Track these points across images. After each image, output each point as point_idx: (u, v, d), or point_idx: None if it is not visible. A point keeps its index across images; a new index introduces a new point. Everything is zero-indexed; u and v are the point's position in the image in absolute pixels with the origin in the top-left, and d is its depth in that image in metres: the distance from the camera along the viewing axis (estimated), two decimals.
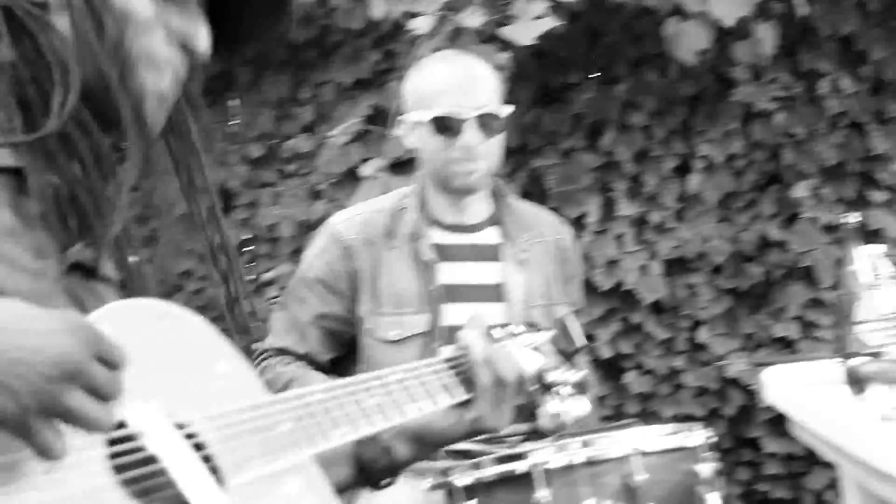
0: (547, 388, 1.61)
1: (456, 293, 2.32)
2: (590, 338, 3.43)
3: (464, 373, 1.47)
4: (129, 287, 1.19)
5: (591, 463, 1.85)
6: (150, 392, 1.03)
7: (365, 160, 3.54)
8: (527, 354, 1.61)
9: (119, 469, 0.96)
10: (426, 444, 1.50)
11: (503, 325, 1.68)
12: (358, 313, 2.30)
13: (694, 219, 3.49)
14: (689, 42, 3.19)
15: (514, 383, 1.48)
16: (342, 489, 1.51)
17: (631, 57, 3.50)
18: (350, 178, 3.63)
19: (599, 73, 3.54)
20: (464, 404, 1.47)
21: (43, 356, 0.85)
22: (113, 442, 0.96)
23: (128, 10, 1.08)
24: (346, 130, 3.53)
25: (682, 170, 3.52)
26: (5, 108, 1.06)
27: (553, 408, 1.59)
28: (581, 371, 1.65)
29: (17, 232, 1.05)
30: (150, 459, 0.99)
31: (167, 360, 1.08)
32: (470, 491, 1.87)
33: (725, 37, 3.36)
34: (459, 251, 2.36)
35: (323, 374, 2.33)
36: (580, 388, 1.63)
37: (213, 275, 1.26)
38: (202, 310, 3.22)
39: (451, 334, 2.28)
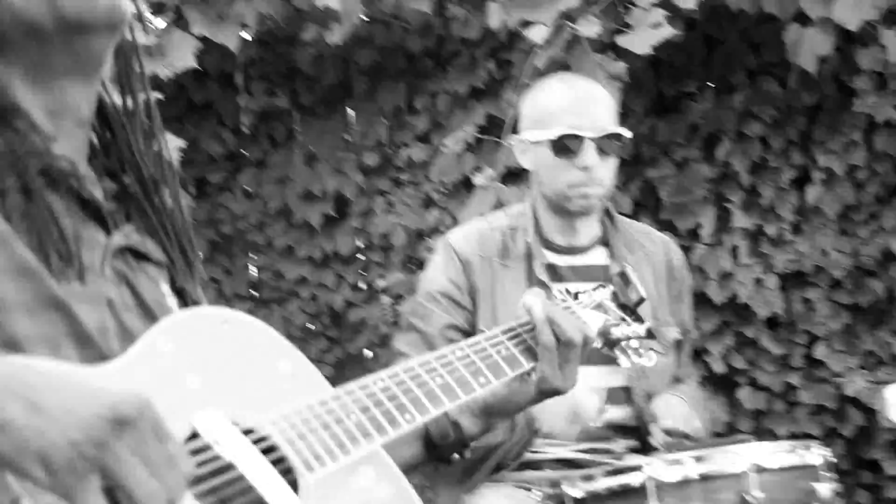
0: (613, 343, 1.62)
1: None
2: (702, 352, 3.36)
3: (524, 342, 1.48)
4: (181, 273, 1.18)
5: (706, 478, 1.82)
6: (217, 399, 1.05)
7: (478, 169, 3.54)
8: (589, 313, 1.61)
9: (196, 481, 0.96)
10: (494, 415, 1.52)
11: (565, 290, 1.68)
12: (479, 326, 2.31)
13: (812, 232, 3.39)
14: (810, 48, 3.10)
15: (578, 342, 1.48)
16: (413, 466, 1.52)
17: (749, 65, 3.42)
18: (463, 188, 3.64)
19: (716, 83, 3.47)
20: (525, 374, 1.48)
21: (99, 397, 0.83)
22: (189, 454, 0.96)
23: None
24: (461, 139, 3.53)
25: (801, 181, 3.42)
26: None
27: (625, 362, 1.59)
28: (645, 323, 1.63)
29: None
30: (226, 468, 1.00)
31: (231, 365, 1.09)
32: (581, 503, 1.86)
33: (849, 44, 3.26)
34: (570, 272, 2.36)
35: None
36: (645, 340, 1.64)
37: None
38: (314, 316, 3.28)
39: None
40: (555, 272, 2.34)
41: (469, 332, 2.32)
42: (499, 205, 3.19)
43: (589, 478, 1.88)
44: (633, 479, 1.84)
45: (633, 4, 3.10)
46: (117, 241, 1.11)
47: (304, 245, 3.95)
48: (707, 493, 1.83)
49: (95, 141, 1.16)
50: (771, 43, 3.32)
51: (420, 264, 3.63)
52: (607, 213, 2.43)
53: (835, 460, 1.93)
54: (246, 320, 1.13)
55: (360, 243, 3.99)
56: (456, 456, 1.52)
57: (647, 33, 3.05)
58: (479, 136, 3.59)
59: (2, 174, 1.00)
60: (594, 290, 1.70)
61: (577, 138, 2.25)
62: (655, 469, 1.82)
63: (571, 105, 2.29)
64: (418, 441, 1.50)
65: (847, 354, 3.33)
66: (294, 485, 1.05)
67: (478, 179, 3.48)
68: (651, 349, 1.63)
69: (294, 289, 3.99)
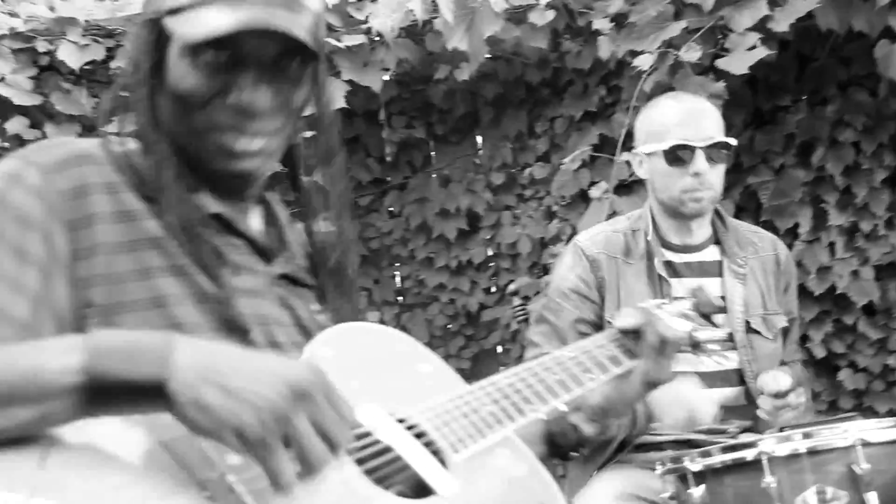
0: (697, 345, 1.66)
1: None
2: (804, 338, 3.28)
3: (624, 345, 1.52)
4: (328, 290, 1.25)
5: (815, 452, 1.79)
6: (373, 396, 1.10)
7: (593, 183, 3.55)
8: (675, 320, 1.65)
9: (360, 461, 1.02)
10: (608, 415, 1.55)
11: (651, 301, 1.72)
12: (606, 317, 2.33)
13: None
14: None
15: (673, 340, 1.52)
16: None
17: (840, 78, 3.33)
18: (580, 200, 3.65)
19: (809, 96, 3.38)
20: (628, 373, 1.51)
21: (279, 376, 0.87)
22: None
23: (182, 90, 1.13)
24: (577, 157, 3.55)
25: (893, 181, 3.30)
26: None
27: (708, 361, 1.67)
28: (722, 329, 1.71)
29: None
30: (385, 450, 1.05)
31: (381, 368, 1.15)
32: (700, 476, 1.85)
33: None
34: (686, 268, 2.35)
35: None
36: (725, 342, 1.70)
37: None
38: (452, 317, 3.33)
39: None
40: (672, 268, 2.34)
41: (597, 323, 2.35)
42: (612, 214, 3.19)
43: (706, 454, 1.87)
44: (747, 454, 1.82)
45: (730, 30, 3.06)
46: (276, 269, 1.20)
47: (442, 255, 4.02)
48: (816, 466, 1.79)
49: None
50: (860, 57, 3.23)
51: (544, 269, 3.66)
52: (718, 214, 2.42)
53: None
54: (388, 331, 1.20)
55: (490, 252, 4.03)
56: (574, 454, 1.56)
57: (744, 55, 3.01)
58: (594, 154, 3.60)
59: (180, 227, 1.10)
60: (677, 300, 1.74)
61: (688, 148, 2.25)
62: (768, 444, 1.80)
63: (681, 119, 2.29)
64: (542, 441, 1.54)
65: None
66: (442, 464, 1.09)
67: (593, 192, 3.49)
68: (727, 352, 1.69)
69: (434, 294, 4.06)
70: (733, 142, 2.31)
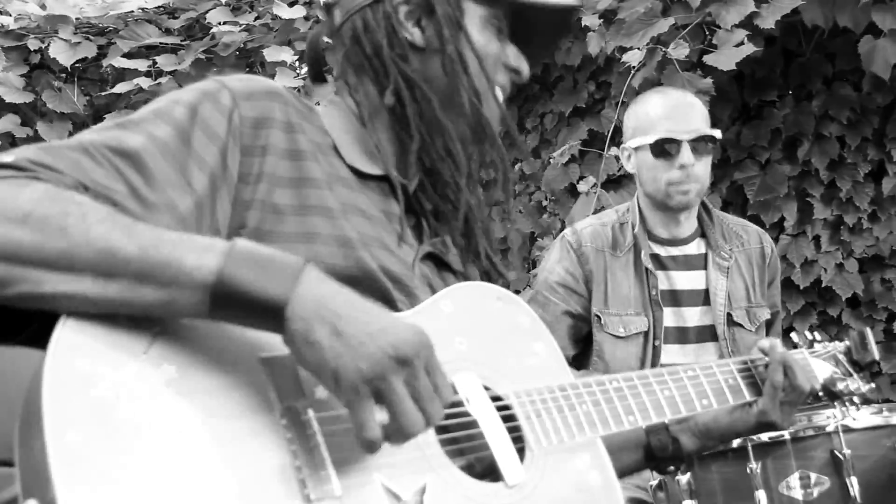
0: (835, 396, 1.56)
1: (668, 298, 2.35)
2: (790, 330, 3.33)
3: (751, 377, 1.44)
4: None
5: (798, 438, 1.83)
6: (476, 360, 1.10)
7: (582, 178, 3.59)
8: (819, 363, 1.57)
9: (442, 429, 1.04)
10: (712, 437, 1.49)
11: (802, 335, 1.63)
12: (593, 310, 2.36)
13: (888, 219, 3.32)
14: (883, 57, 3.05)
15: (806, 390, 1.44)
16: (631, 471, 1.52)
17: (825, 74, 3.37)
18: (570, 195, 3.69)
19: (795, 91, 3.43)
20: (747, 405, 1.44)
21: (386, 336, 0.91)
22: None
23: (485, 51, 1.23)
24: (566, 152, 3.59)
25: (876, 174, 3.35)
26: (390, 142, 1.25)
27: (839, 413, 1.53)
28: (870, 384, 1.58)
29: (384, 223, 1.20)
30: (470, 424, 1.06)
31: (495, 336, 1.14)
32: (687, 463, 1.89)
33: None
34: (671, 261, 2.39)
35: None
36: (866, 397, 1.58)
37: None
38: None
39: (667, 335, 2.32)
40: (658, 261, 2.38)
41: (584, 315, 2.39)
42: (601, 208, 3.23)
43: None
44: (732, 441, 1.86)
45: (717, 26, 3.10)
46: (425, 248, 1.24)
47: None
48: (800, 452, 1.83)
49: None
50: (845, 53, 3.28)
51: (534, 263, 3.70)
52: (705, 208, 2.45)
53: None
54: (516, 300, 1.19)
55: None
56: (671, 468, 1.52)
57: (731, 51, 3.04)
58: (583, 149, 3.64)
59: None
60: (830, 341, 1.65)
61: (674, 141, 2.28)
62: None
63: (667, 113, 2.32)
64: (639, 450, 1.49)
65: None
66: (521, 452, 1.09)
67: (581, 186, 3.53)
68: (865, 406, 1.58)
69: None
70: (718, 134, 2.35)
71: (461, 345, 1.10)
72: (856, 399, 1.56)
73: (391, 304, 1.13)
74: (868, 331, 1.64)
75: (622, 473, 1.24)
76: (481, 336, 1.12)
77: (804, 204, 3.41)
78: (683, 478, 1.88)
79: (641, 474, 2.16)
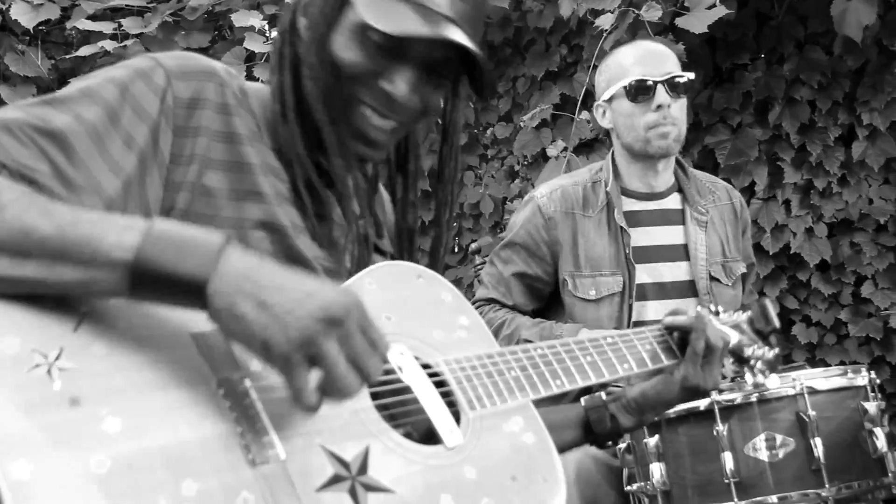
0: (743, 361, 1.59)
1: (645, 254, 2.34)
2: (760, 294, 3.35)
3: (666, 342, 1.48)
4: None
5: (764, 401, 1.84)
6: (404, 335, 1.12)
7: (553, 142, 3.58)
8: (728, 330, 1.59)
9: (377, 395, 1.05)
10: (644, 411, 1.51)
11: (706, 306, 1.65)
12: (561, 275, 2.36)
13: (857, 183, 3.33)
14: (855, 19, 3.04)
15: (721, 350, 1.47)
16: (570, 447, 1.56)
17: (797, 36, 3.36)
18: (542, 159, 3.67)
19: (767, 54, 3.42)
20: (665, 371, 1.47)
21: (313, 300, 0.90)
22: None
23: (343, 61, 1.17)
24: (537, 116, 3.56)
25: (846, 138, 3.36)
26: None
27: (749, 379, 1.57)
28: (775, 349, 1.61)
29: None
30: (404, 391, 1.08)
31: (420, 311, 1.16)
32: (655, 427, 1.91)
33: (889, 10, 3.18)
34: (648, 216, 2.38)
35: (530, 317, 2.41)
36: (772, 365, 1.60)
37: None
38: None
39: (641, 293, 2.32)
40: (633, 217, 2.37)
41: (544, 279, 2.39)
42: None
43: None
44: (700, 404, 1.87)
45: None
46: (353, 231, 1.23)
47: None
48: (765, 414, 1.84)
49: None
50: (817, 15, 3.27)
51: (505, 228, 3.69)
52: (680, 164, 2.45)
53: (879, 382, 1.93)
54: (437, 277, 1.20)
55: (453, 212, 4.04)
56: (609, 443, 1.55)
57: (703, 14, 3.03)
58: (555, 112, 3.62)
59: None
60: (734, 312, 1.69)
61: (648, 83, 2.27)
62: (719, 394, 1.85)
63: (639, 59, 2.31)
64: (579, 427, 1.51)
65: (891, 291, 3.28)
66: (455, 418, 1.10)
67: (551, 150, 3.51)
68: (774, 372, 1.61)
69: None
70: (691, 76, 2.34)
71: (388, 320, 1.11)
72: (762, 365, 1.59)
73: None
74: (768, 301, 1.68)
75: (562, 449, 1.27)
76: (407, 311, 1.14)
77: (775, 168, 3.41)
78: (651, 440, 1.90)
79: None
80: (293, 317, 0.89)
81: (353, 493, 0.95)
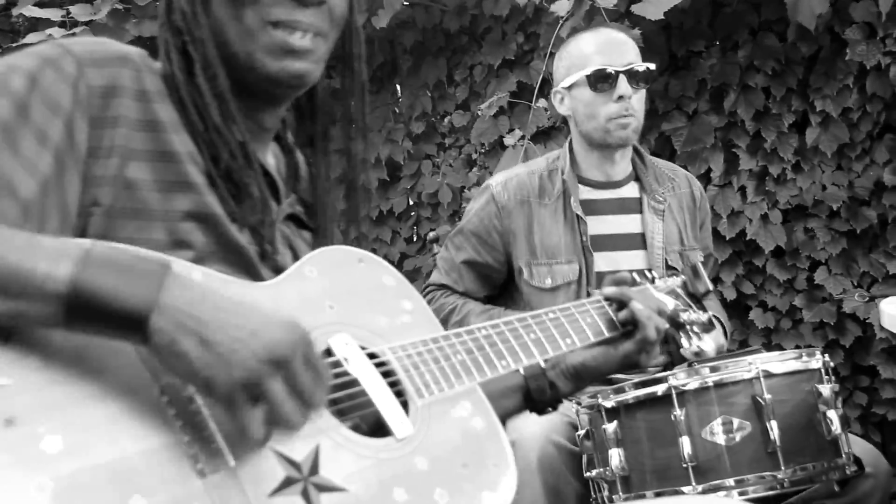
0: (679, 326, 1.62)
1: (602, 243, 2.34)
2: (716, 280, 3.38)
3: (607, 314, 1.50)
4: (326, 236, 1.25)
5: (721, 385, 1.85)
6: (348, 322, 1.10)
7: (511, 131, 3.57)
8: (662, 297, 1.62)
9: None
10: (583, 379, 1.53)
11: (641, 272, 1.68)
12: (517, 264, 2.36)
13: (811, 169, 3.37)
14: (808, 7, 3.07)
15: (663, 334, 1.49)
16: (511, 415, 1.58)
17: (751, 23, 3.39)
18: (499, 147, 3.67)
19: (722, 41, 3.44)
20: (609, 342, 1.50)
21: (258, 339, 0.87)
22: None
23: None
24: (494, 104, 3.55)
25: (800, 125, 3.40)
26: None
27: (686, 343, 1.60)
28: (708, 312, 1.64)
29: None
30: (351, 383, 1.06)
31: (363, 296, 1.14)
32: (613, 412, 1.91)
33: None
34: (605, 205, 2.38)
35: (481, 304, 2.40)
36: (707, 326, 1.64)
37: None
38: None
39: (599, 281, 2.32)
40: (590, 206, 2.37)
41: (497, 267, 2.38)
42: (527, 161, 3.21)
43: (620, 390, 1.92)
44: (657, 389, 1.87)
45: None
46: (285, 209, 1.20)
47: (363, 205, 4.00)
48: (722, 398, 1.85)
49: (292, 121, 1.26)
50: (770, 2, 3.29)
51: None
52: (637, 152, 2.45)
53: (833, 365, 1.95)
54: (379, 261, 1.19)
55: (411, 201, 4.03)
56: (550, 409, 1.56)
57: (659, 1, 3.03)
58: (512, 100, 3.61)
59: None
60: (669, 276, 1.71)
61: (610, 73, 2.27)
62: (677, 379, 1.86)
63: (601, 48, 2.31)
64: (519, 394, 1.52)
65: (844, 276, 3.33)
66: (404, 407, 1.09)
67: (508, 139, 3.51)
68: (709, 334, 1.64)
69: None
70: (652, 66, 2.34)
71: (331, 308, 1.09)
72: (697, 328, 1.63)
73: (256, 277, 1.09)
74: (699, 264, 1.73)
75: (504, 417, 1.30)
76: (350, 298, 1.12)
77: (730, 155, 3.44)
78: (610, 426, 1.90)
79: (569, 425, 2.17)
80: (237, 357, 0.86)
81: (305, 496, 0.93)
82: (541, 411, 1.56)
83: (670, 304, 1.61)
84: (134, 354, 0.89)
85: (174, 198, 1.05)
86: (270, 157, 1.24)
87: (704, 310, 1.66)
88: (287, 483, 0.92)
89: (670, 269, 2.35)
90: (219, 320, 0.87)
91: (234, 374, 0.86)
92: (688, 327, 1.62)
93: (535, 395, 1.52)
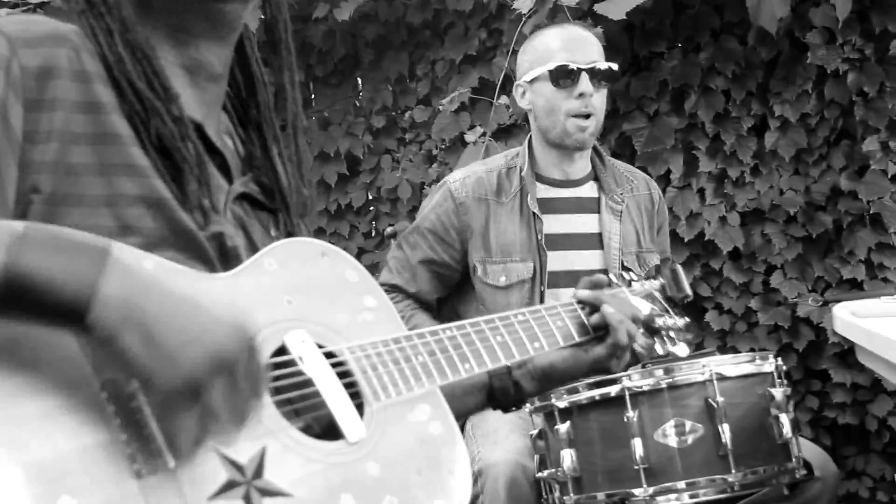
0: (654, 332, 1.58)
1: (558, 242, 2.33)
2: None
3: (578, 318, 1.46)
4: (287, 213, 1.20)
5: (674, 387, 1.85)
6: (306, 318, 1.06)
7: (473, 127, 3.55)
8: (638, 301, 1.59)
9: (277, 390, 0.99)
10: (550, 381, 1.50)
11: (619, 274, 1.65)
12: (472, 262, 2.34)
13: (769, 173, 3.40)
14: (769, 11, 3.09)
15: (624, 342, 1.45)
16: (472, 412, 1.55)
17: (713, 26, 3.40)
18: (460, 143, 3.65)
19: (683, 43, 3.45)
20: (578, 346, 1.46)
21: (204, 342, 0.84)
22: (274, 366, 0.99)
23: None
24: (455, 99, 3.53)
25: (759, 129, 3.42)
26: None
27: (660, 349, 1.58)
28: (684, 318, 1.61)
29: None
30: (305, 384, 1.02)
31: (323, 291, 1.10)
32: (566, 413, 1.90)
33: (801, 4, 3.24)
34: (563, 204, 2.37)
35: (429, 314, 2.37)
36: (682, 332, 1.60)
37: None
38: None
39: (553, 280, 2.31)
40: (547, 204, 2.35)
41: (452, 266, 2.36)
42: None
43: (573, 390, 1.91)
44: (611, 390, 1.87)
45: None
46: (237, 189, 1.14)
47: (321, 199, 3.96)
48: (675, 400, 1.85)
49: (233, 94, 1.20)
50: (733, 5, 3.31)
51: None
52: (597, 152, 2.44)
53: (786, 368, 1.96)
54: (342, 255, 1.14)
55: (370, 196, 4.00)
56: (513, 409, 1.53)
57: (622, 1, 3.03)
58: (473, 97, 3.59)
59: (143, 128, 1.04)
60: (647, 279, 1.67)
61: (573, 70, 2.26)
62: (630, 380, 1.85)
63: (565, 44, 2.30)
64: (482, 392, 1.49)
65: (799, 280, 3.36)
66: (359, 409, 1.05)
67: (469, 136, 3.49)
68: (684, 341, 1.60)
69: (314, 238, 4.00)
70: (615, 66, 2.34)
71: (290, 303, 1.05)
72: (672, 334, 1.59)
73: (209, 264, 1.05)
74: (679, 268, 1.69)
75: (466, 415, 1.25)
76: (310, 293, 1.07)
77: (690, 156, 3.45)
78: (563, 427, 1.89)
79: (521, 424, 2.16)
80: (182, 357, 0.82)
81: (247, 500, 0.89)
82: (505, 409, 1.53)
83: (646, 308, 1.58)
84: (75, 346, 0.85)
85: (119, 182, 1.00)
86: (226, 137, 1.19)
87: (682, 315, 1.63)
88: (229, 486, 0.89)
89: (625, 270, 2.35)
90: (164, 316, 0.83)
91: (177, 374, 0.82)
92: (663, 333, 1.59)
93: (499, 394, 1.49)
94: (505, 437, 2.13)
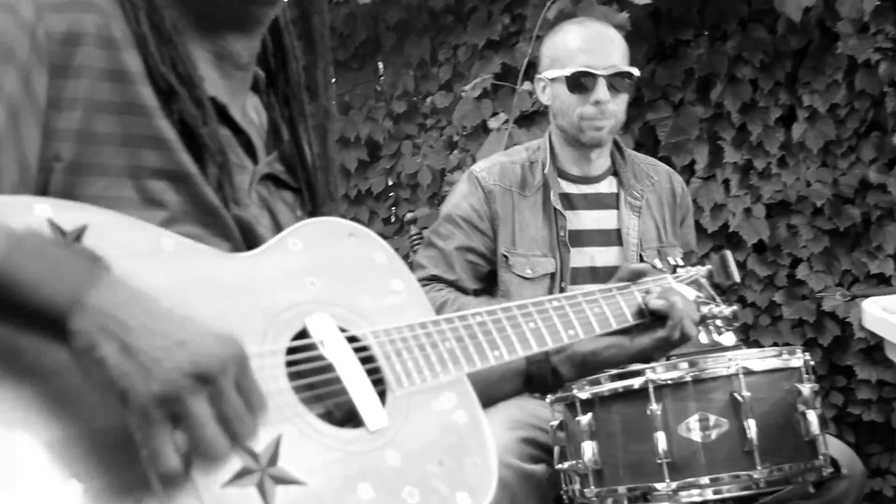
0: (700, 320, 1.53)
1: (579, 238, 2.32)
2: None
3: (617, 304, 1.42)
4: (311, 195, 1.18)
5: (699, 380, 1.82)
6: (330, 300, 1.03)
7: (495, 114, 3.52)
8: (683, 287, 1.54)
9: (298, 375, 0.96)
10: (591, 368, 1.46)
11: (664, 259, 1.61)
12: (500, 250, 2.31)
13: (796, 165, 3.35)
14: (796, 0, 3.03)
15: (676, 339, 1.42)
16: (509, 398, 1.50)
17: (740, 14, 3.35)
18: (482, 130, 3.62)
19: (710, 30, 3.40)
20: (622, 333, 1.42)
21: (185, 350, 0.80)
22: (294, 350, 0.97)
23: None
24: (478, 86, 3.50)
25: (787, 119, 3.36)
26: None
27: (704, 338, 1.54)
28: (732, 306, 1.56)
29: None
30: (326, 368, 0.99)
31: (349, 273, 1.06)
32: (588, 404, 1.87)
33: None
34: (583, 200, 2.35)
35: (474, 297, 2.35)
36: (730, 321, 1.56)
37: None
38: None
39: (573, 276, 2.29)
40: (568, 200, 2.33)
41: (486, 255, 2.33)
42: (512, 145, 3.16)
43: (595, 381, 1.88)
44: (634, 382, 1.84)
45: None
46: (261, 169, 1.12)
47: (342, 185, 3.95)
48: (700, 394, 1.82)
49: (263, 76, 1.18)
50: None
51: (443, 199, 3.62)
52: (617, 146, 2.41)
53: (813, 363, 1.92)
54: (371, 236, 1.10)
55: (390, 182, 3.98)
56: (550, 395, 1.51)
57: None
58: (496, 83, 3.56)
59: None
60: (693, 265, 1.63)
61: (591, 76, 2.23)
62: (654, 372, 1.82)
63: (586, 45, 2.27)
64: (519, 378, 1.44)
65: (826, 274, 3.31)
66: (382, 395, 1.02)
67: (492, 123, 3.46)
68: (731, 330, 1.56)
69: None
70: (636, 72, 2.30)
71: (313, 285, 1.02)
72: (719, 322, 1.55)
73: (232, 241, 1.03)
74: (728, 254, 1.64)
75: (502, 400, 1.24)
76: (334, 275, 1.04)
77: (715, 147, 3.41)
78: (584, 418, 1.86)
79: (541, 415, 2.13)
80: (158, 367, 0.79)
81: (260, 487, 0.87)
82: (543, 393, 1.50)
83: (691, 295, 1.53)
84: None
85: (143, 154, 0.99)
86: (253, 113, 1.17)
87: (729, 303, 1.58)
88: (242, 474, 0.87)
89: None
90: (145, 326, 0.80)
91: (152, 386, 0.78)
92: (709, 321, 1.54)
93: (536, 381, 1.45)
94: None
